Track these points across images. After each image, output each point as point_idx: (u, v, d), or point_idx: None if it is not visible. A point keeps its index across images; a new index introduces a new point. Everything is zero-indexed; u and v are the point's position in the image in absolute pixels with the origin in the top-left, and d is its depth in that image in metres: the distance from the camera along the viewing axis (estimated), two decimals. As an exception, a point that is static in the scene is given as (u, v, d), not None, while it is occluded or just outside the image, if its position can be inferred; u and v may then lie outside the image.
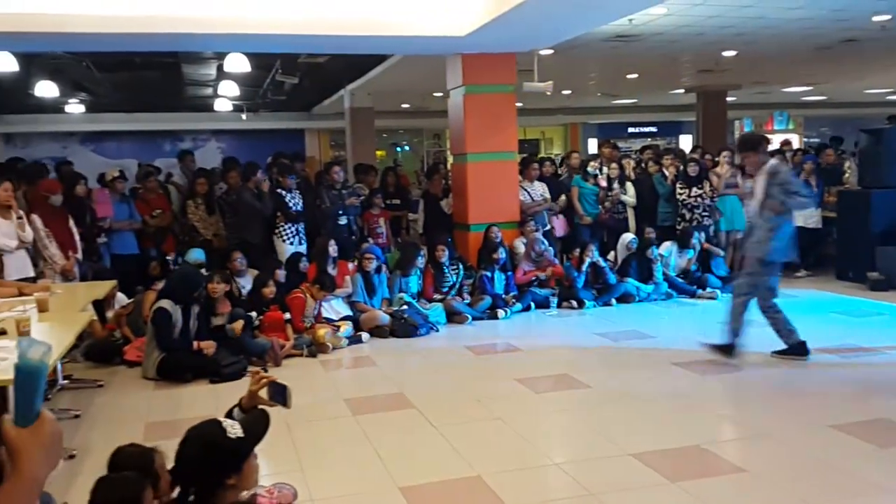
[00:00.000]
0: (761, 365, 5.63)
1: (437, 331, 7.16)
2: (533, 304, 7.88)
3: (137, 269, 7.67)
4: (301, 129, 19.14)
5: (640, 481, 3.61)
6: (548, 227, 8.74)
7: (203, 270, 6.75)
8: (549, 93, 8.43)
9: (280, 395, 2.59)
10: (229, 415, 2.54)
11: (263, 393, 2.59)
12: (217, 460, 2.21)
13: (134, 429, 4.43)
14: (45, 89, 10.11)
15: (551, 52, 8.97)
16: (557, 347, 6.53)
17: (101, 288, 5.83)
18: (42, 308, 4.31)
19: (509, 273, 7.97)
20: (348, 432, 4.52)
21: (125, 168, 10.27)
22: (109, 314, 6.51)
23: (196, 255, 7.31)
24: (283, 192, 7.73)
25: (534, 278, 8.04)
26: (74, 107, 14.50)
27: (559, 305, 7.95)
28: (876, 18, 8.61)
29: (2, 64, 7.67)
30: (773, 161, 5.60)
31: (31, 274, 5.80)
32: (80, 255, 6.75)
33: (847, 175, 9.54)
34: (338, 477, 3.86)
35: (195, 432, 2.29)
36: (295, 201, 7.81)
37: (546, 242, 8.24)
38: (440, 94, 12.52)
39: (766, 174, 5.43)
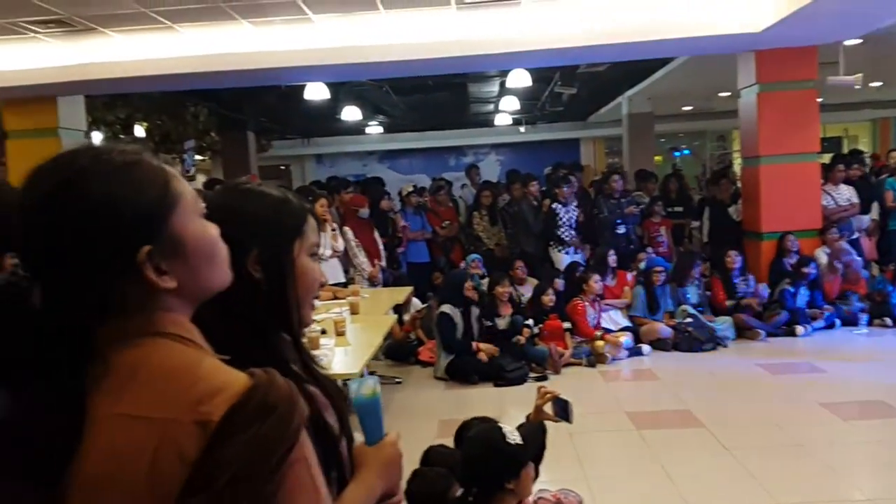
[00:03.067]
0: None
1: (725, 346, 6.75)
2: (838, 322, 7.10)
3: (429, 277, 8.26)
4: (576, 139, 19.23)
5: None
6: (855, 236, 7.83)
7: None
8: (857, 86, 7.55)
9: (563, 410, 2.63)
10: (520, 427, 2.63)
11: (548, 408, 2.64)
12: (497, 463, 2.28)
13: (429, 425, 4.75)
14: (350, 113, 11.30)
15: (860, 42, 8.04)
16: (869, 369, 5.81)
17: (401, 293, 6.36)
18: (354, 311, 4.80)
19: (817, 288, 7.22)
20: (632, 446, 4.43)
21: (416, 182, 11.13)
22: (406, 317, 7.07)
23: (473, 256, 7.77)
24: (557, 207, 7.80)
25: (847, 293, 7.23)
26: (374, 128, 16.01)
27: (870, 323, 7.08)
28: None
29: (316, 93, 8.72)
30: None
31: (343, 280, 6.48)
32: (383, 263, 7.43)
33: None
34: (625, 491, 3.80)
35: (477, 435, 2.38)
36: (569, 215, 7.84)
37: (853, 252, 7.39)
38: (727, 94, 11.81)
39: None
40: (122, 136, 10.85)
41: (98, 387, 0.88)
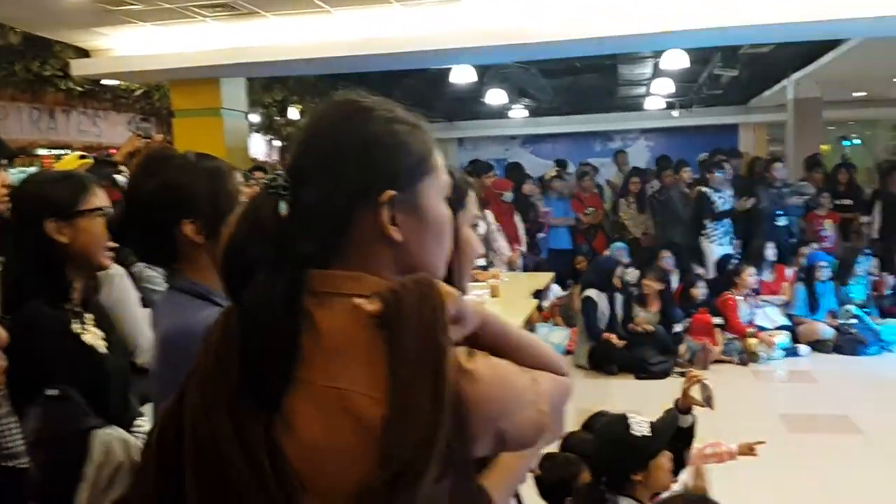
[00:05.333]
0: None
1: (892, 351, 6.22)
2: None
3: (570, 264, 8.12)
4: (734, 125, 18.25)
5: None
6: None
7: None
8: None
9: (706, 395, 2.57)
10: (668, 412, 2.57)
11: (695, 392, 2.58)
12: (622, 455, 2.26)
13: (568, 414, 4.68)
14: (495, 97, 11.28)
15: None
16: None
17: (541, 279, 6.30)
18: (494, 294, 4.80)
19: None
20: (784, 450, 4.16)
21: (560, 167, 10.96)
22: (546, 304, 7.00)
23: (618, 245, 7.59)
24: (709, 191, 7.40)
25: None
26: (517, 111, 15.92)
27: None
28: None
29: (463, 75, 8.75)
30: None
31: (483, 263, 6.50)
32: (524, 248, 7.39)
33: None
34: (775, 497, 3.59)
35: (602, 423, 2.42)
36: (723, 199, 7.42)
37: None
38: (907, 79, 10.82)
39: None
40: (276, 118, 11.44)
41: (307, 345, 0.89)
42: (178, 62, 6.97)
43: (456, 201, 1.24)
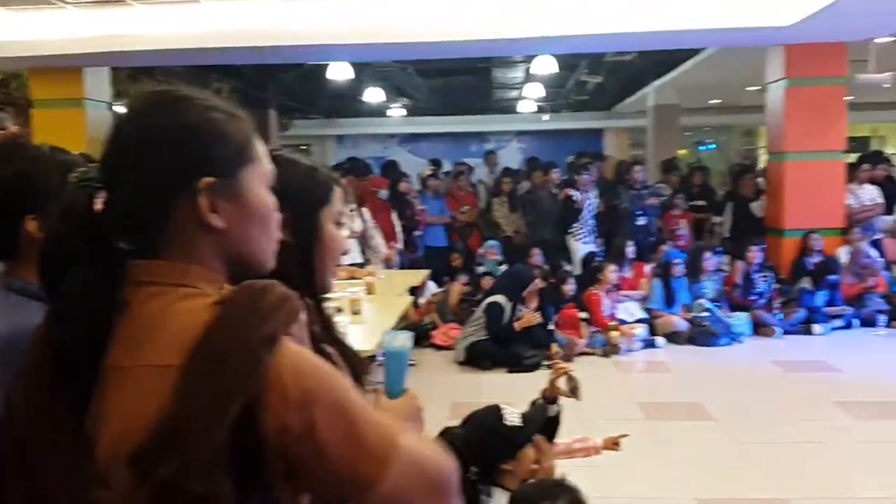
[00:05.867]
0: None
1: (741, 342, 6.72)
2: (856, 322, 7.04)
3: (446, 261, 8.26)
4: (600, 129, 19.10)
5: None
6: (878, 237, 7.74)
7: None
8: (887, 85, 7.44)
9: (572, 386, 2.68)
10: (534, 402, 2.67)
11: (561, 383, 2.67)
12: (491, 444, 2.31)
13: (441, 408, 4.78)
14: (373, 95, 11.29)
15: (892, 39, 7.90)
16: (886, 371, 5.76)
17: (417, 276, 6.38)
18: (370, 291, 4.83)
19: (834, 286, 7.16)
20: (640, 437, 4.43)
21: (435, 166, 11.11)
22: (421, 301, 7.09)
23: (491, 243, 7.80)
24: (575, 195, 7.74)
25: (866, 294, 7.16)
26: (396, 110, 16.00)
27: (889, 324, 7.00)
28: None
29: (340, 72, 8.72)
30: None
31: (360, 260, 6.51)
32: (400, 246, 7.45)
33: None
34: (632, 479, 3.81)
35: (476, 414, 2.42)
36: (589, 202, 7.78)
37: (874, 253, 7.30)
38: (755, 89, 11.67)
39: None
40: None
41: (119, 334, 0.88)
42: (38, 49, 6.58)
43: (322, 197, 1.26)
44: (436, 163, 10.52)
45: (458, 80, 11.73)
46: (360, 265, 6.30)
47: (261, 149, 1.01)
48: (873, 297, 7.16)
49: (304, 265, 1.21)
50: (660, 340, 6.68)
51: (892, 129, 20.17)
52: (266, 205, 1.00)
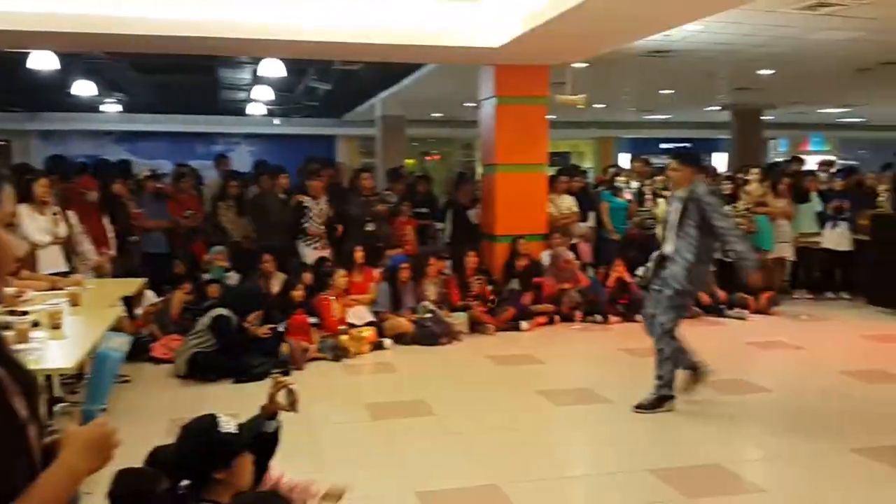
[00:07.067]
0: (787, 387, 5.57)
1: (460, 340, 7.17)
2: (558, 318, 7.85)
3: (167, 268, 7.78)
4: (332, 136, 19.31)
5: (656, 498, 3.59)
6: (574, 241, 8.72)
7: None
8: (581, 106, 8.41)
9: (291, 400, 2.65)
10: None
11: (281, 397, 2.64)
12: (206, 452, 2.24)
13: (159, 425, 4.49)
14: (82, 88, 10.31)
15: (586, 65, 8.97)
16: (580, 361, 6.51)
17: (132, 285, 5.93)
18: (74, 302, 4.39)
19: (538, 287, 7.93)
20: (368, 436, 4.56)
21: (158, 168, 10.47)
22: (139, 311, 6.61)
23: (218, 248, 7.57)
24: (306, 201, 7.75)
25: (561, 291, 8.01)
26: (111, 106, 14.78)
27: (584, 320, 7.91)
28: (916, 40, 8.49)
29: (43, 62, 7.85)
30: None
31: (65, 269, 5.90)
32: (112, 252, 6.87)
33: (881, 199, 9.40)
34: (359, 478, 3.87)
35: (191, 424, 2.33)
36: (320, 208, 7.82)
37: (571, 255, 8.22)
38: (472, 105, 12.57)
39: None
40: None
41: None
42: None
43: None
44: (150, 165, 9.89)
45: (182, 77, 11.16)
46: (66, 274, 5.72)
47: None
48: (571, 295, 8.03)
49: None
50: (387, 342, 6.90)
51: (589, 145, 22.87)
52: None
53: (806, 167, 10.97)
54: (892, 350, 6.37)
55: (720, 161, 20.42)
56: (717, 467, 3.95)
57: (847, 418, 4.83)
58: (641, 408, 4.95)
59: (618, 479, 3.89)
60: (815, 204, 9.21)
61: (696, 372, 5.06)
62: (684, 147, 20.37)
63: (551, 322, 7.80)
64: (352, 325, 6.85)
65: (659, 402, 4.98)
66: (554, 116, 9.74)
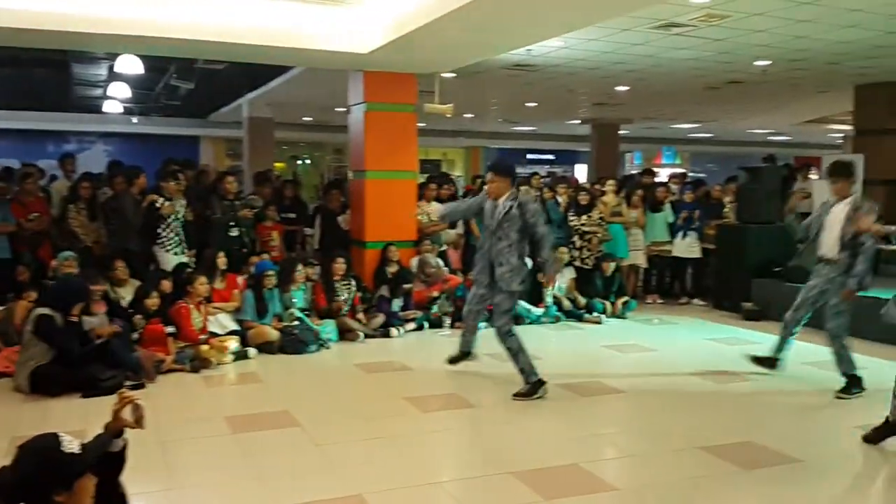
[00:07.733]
0: (640, 388, 5.86)
1: (329, 348, 7.07)
2: (426, 324, 7.91)
3: (10, 275, 7.21)
4: (196, 136, 18.61)
5: (517, 500, 3.67)
6: (443, 248, 8.82)
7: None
8: (449, 115, 8.54)
9: (138, 416, 2.53)
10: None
11: (126, 413, 2.51)
12: (46, 473, 2.12)
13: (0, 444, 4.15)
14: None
15: (453, 75, 9.11)
16: (447, 367, 6.56)
17: (-34, 294, 5.45)
18: None
19: (407, 293, 7.95)
20: (226, 451, 4.39)
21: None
22: (-26, 322, 6.09)
23: (67, 255, 6.99)
24: (158, 200, 7.36)
25: (431, 297, 8.07)
26: (-52, 100, 13.60)
27: (453, 326, 8.00)
28: (758, 63, 9.22)
29: None
30: None
31: None
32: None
33: (727, 209, 10.11)
34: (211, 497, 3.74)
35: (29, 443, 2.19)
36: (177, 210, 7.46)
37: (440, 262, 8.31)
38: (342, 110, 12.48)
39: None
40: None
41: None
42: None
43: None
44: None
45: (30, 72, 10.41)
46: None
47: None
48: (440, 301, 8.12)
49: None
50: (252, 351, 6.69)
51: (459, 153, 23.26)
52: None
53: (658, 179, 11.62)
54: (735, 352, 6.83)
55: (581, 172, 21.36)
56: (575, 467, 4.10)
57: (696, 417, 5.14)
58: (519, 395, 5.41)
59: (481, 483, 3.94)
60: (667, 214, 9.78)
61: (465, 355, 6.10)
62: (502, 160, 21.30)
63: (421, 328, 7.85)
64: (213, 335, 6.61)
65: (533, 388, 5.43)
66: (424, 124, 9.83)
